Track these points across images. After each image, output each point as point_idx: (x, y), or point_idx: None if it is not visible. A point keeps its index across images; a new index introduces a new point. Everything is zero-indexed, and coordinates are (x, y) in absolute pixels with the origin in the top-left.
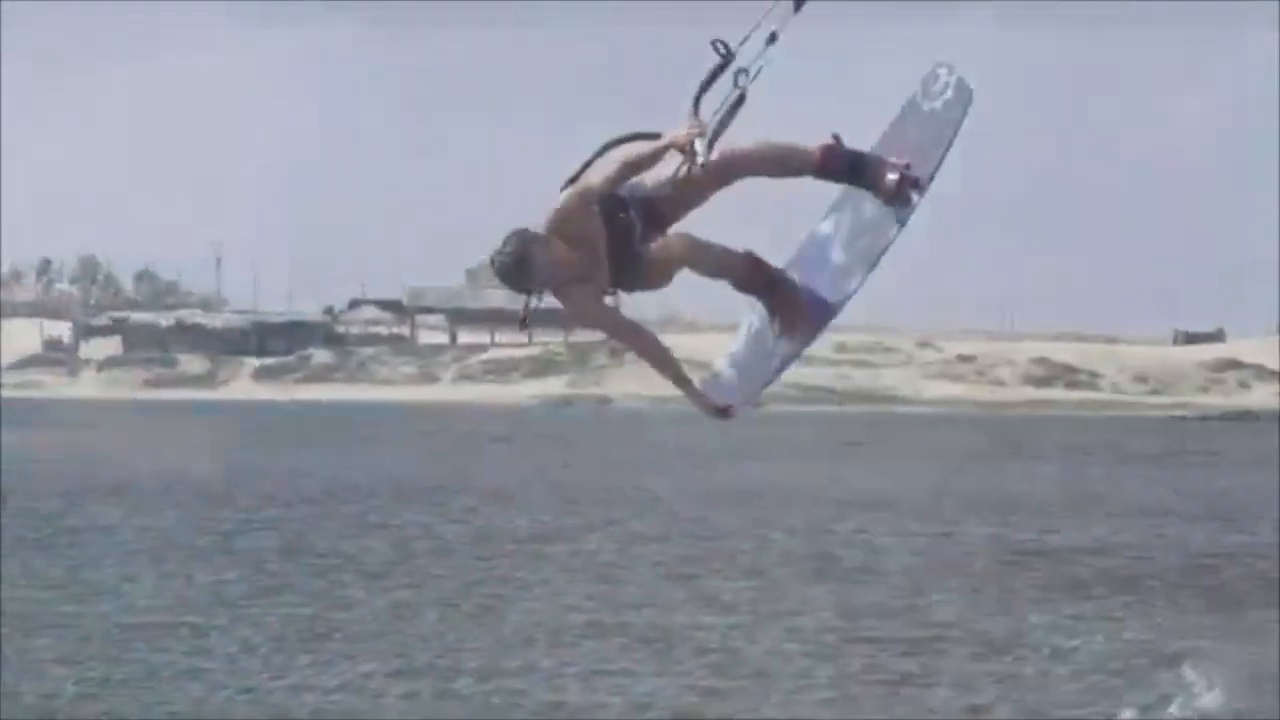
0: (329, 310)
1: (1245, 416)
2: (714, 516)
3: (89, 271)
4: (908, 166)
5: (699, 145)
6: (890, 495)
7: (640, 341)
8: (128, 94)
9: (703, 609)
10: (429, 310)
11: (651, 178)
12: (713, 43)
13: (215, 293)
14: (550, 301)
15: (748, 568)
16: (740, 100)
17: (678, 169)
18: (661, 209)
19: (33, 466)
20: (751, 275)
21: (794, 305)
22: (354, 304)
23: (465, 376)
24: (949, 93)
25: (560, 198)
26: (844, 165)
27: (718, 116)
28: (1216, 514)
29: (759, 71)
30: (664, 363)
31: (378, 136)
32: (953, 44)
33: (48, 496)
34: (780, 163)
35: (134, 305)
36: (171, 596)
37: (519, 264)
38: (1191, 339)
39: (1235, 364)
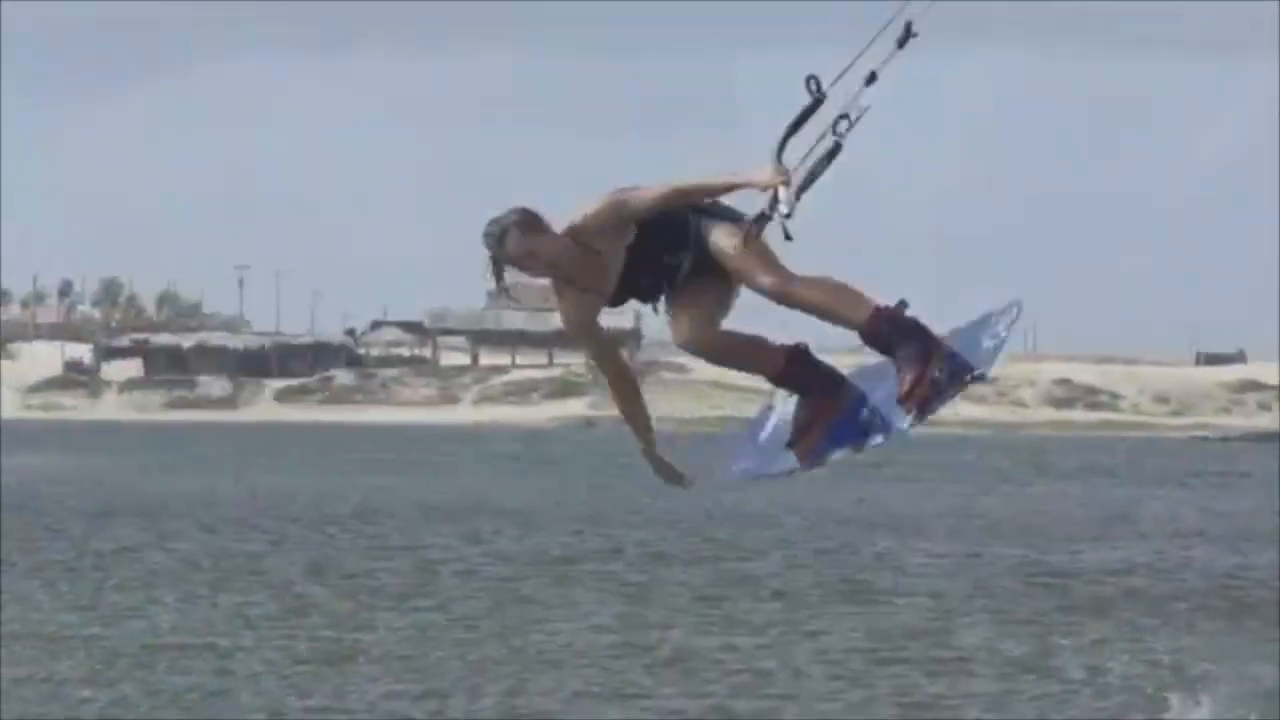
0: (350, 332)
1: (1266, 437)
2: (740, 538)
3: (111, 293)
4: (950, 377)
5: (782, 194)
6: (915, 517)
7: (617, 379)
8: (151, 113)
9: (730, 630)
10: (450, 332)
11: (728, 234)
12: (806, 80)
13: (238, 314)
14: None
15: (774, 589)
16: (836, 150)
17: (752, 224)
18: (714, 264)
19: (57, 488)
20: (790, 373)
21: (825, 414)
22: (376, 325)
23: (486, 398)
24: (1001, 334)
25: (600, 200)
26: (885, 340)
27: (808, 166)
28: (1241, 534)
29: (859, 118)
30: (633, 411)
31: (396, 156)
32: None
33: (73, 518)
34: (829, 315)
35: (156, 327)
36: (196, 618)
37: (499, 237)
38: (1212, 360)
39: (1256, 385)
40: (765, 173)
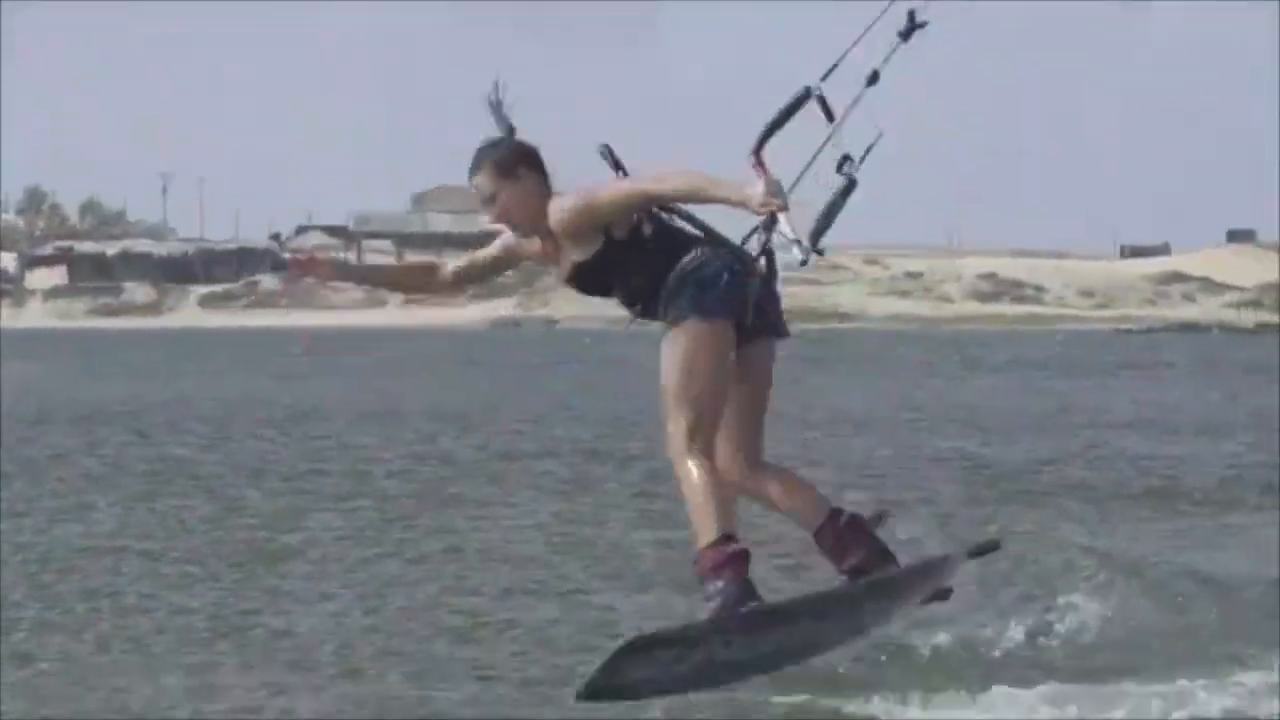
0: (275, 236)
1: (1190, 328)
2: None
3: (34, 202)
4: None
5: (784, 226)
6: (848, 409)
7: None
8: (73, 25)
9: (665, 526)
10: (375, 235)
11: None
12: (799, 94)
13: (162, 221)
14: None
15: None
16: (851, 186)
17: (764, 239)
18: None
19: None
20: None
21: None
22: (300, 230)
23: (413, 300)
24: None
25: (573, 200)
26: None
27: (825, 207)
28: (1169, 425)
29: (868, 153)
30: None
31: (316, 60)
32: None
33: (2, 426)
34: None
35: (80, 235)
36: (132, 522)
37: (476, 161)
38: (1136, 253)
39: (1180, 277)
40: (756, 191)
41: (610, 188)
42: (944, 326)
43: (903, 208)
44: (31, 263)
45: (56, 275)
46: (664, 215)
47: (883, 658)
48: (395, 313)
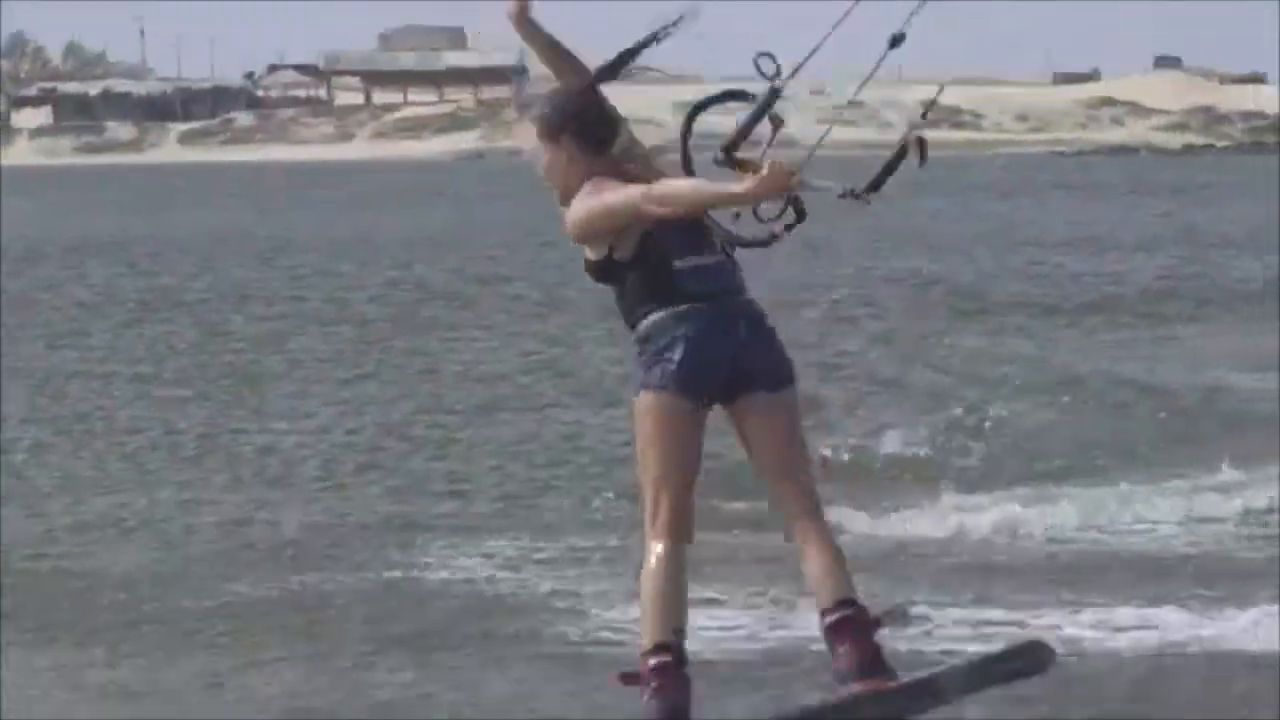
0: (249, 75)
1: (1119, 151)
2: None
3: (18, 45)
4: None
5: (821, 183)
6: (807, 233)
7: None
8: None
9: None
10: (344, 73)
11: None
12: (757, 58)
13: (140, 62)
14: (462, 60)
15: None
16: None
17: (784, 222)
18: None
19: None
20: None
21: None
22: (273, 69)
23: (380, 135)
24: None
25: (578, 213)
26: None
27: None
28: (1107, 243)
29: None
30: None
31: None
32: None
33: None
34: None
35: (62, 76)
36: (122, 347)
37: (536, 115)
38: (1068, 79)
39: (1109, 102)
40: (768, 174)
41: (614, 194)
42: (886, 152)
43: (849, 40)
44: (17, 103)
45: (41, 115)
46: (658, 250)
47: (836, 475)
48: (364, 146)
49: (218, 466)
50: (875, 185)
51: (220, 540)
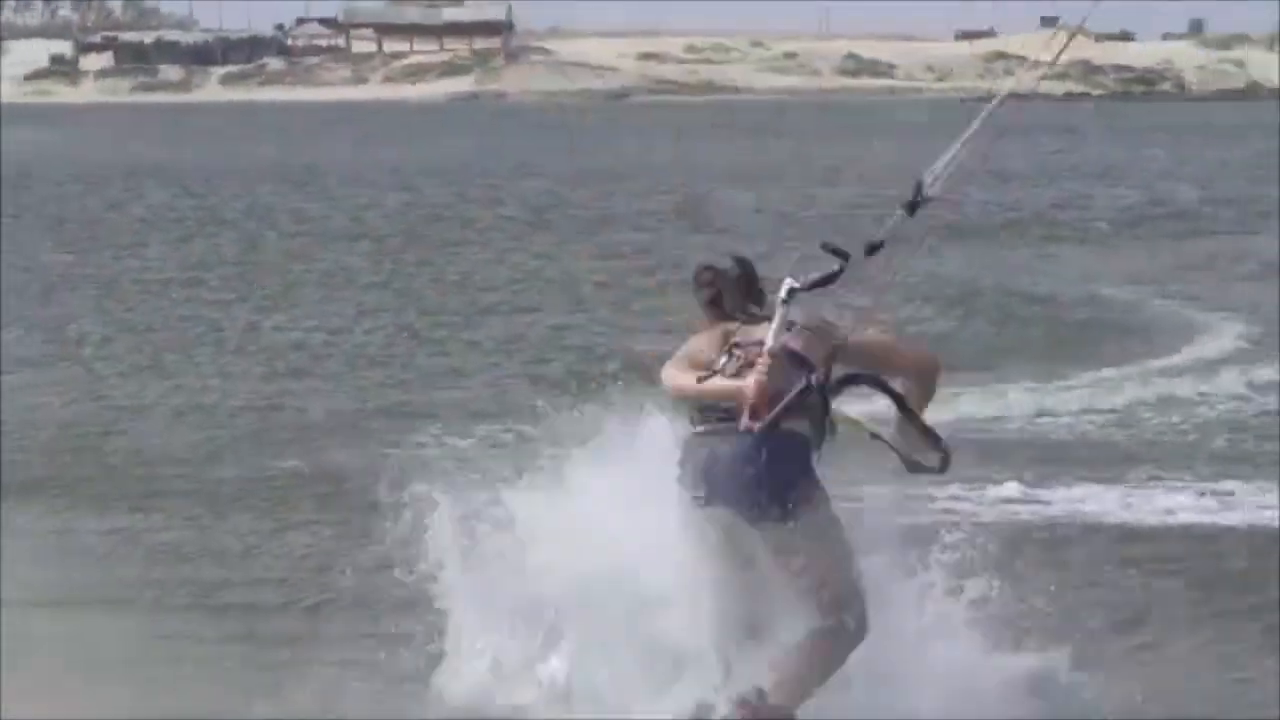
0: (280, 27)
1: (1007, 99)
2: (605, 186)
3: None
4: None
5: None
6: (752, 164)
7: None
8: None
9: (609, 257)
10: (360, 25)
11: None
12: (823, 246)
13: (188, 15)
14: (458, 15)
15: (637, 225)
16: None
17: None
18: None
19: (51, 158)
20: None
21: None
22: (300, 21)
23: (389, 79)
24: None
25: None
26: None
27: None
28: (1010, 172)
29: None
30: None
31: None
32: None
33: (68, 181)
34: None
35: (122, 26)
36: (175, 258)
37: (697, 282)
38: (968, 36)
39: (1003, 55)
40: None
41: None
42: (817, 98)
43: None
44: (84, 49)
45: (104, 60)
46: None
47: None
48: (377, 89)
49: (255, 359)
50: (935, 443)
51: (257, 422)
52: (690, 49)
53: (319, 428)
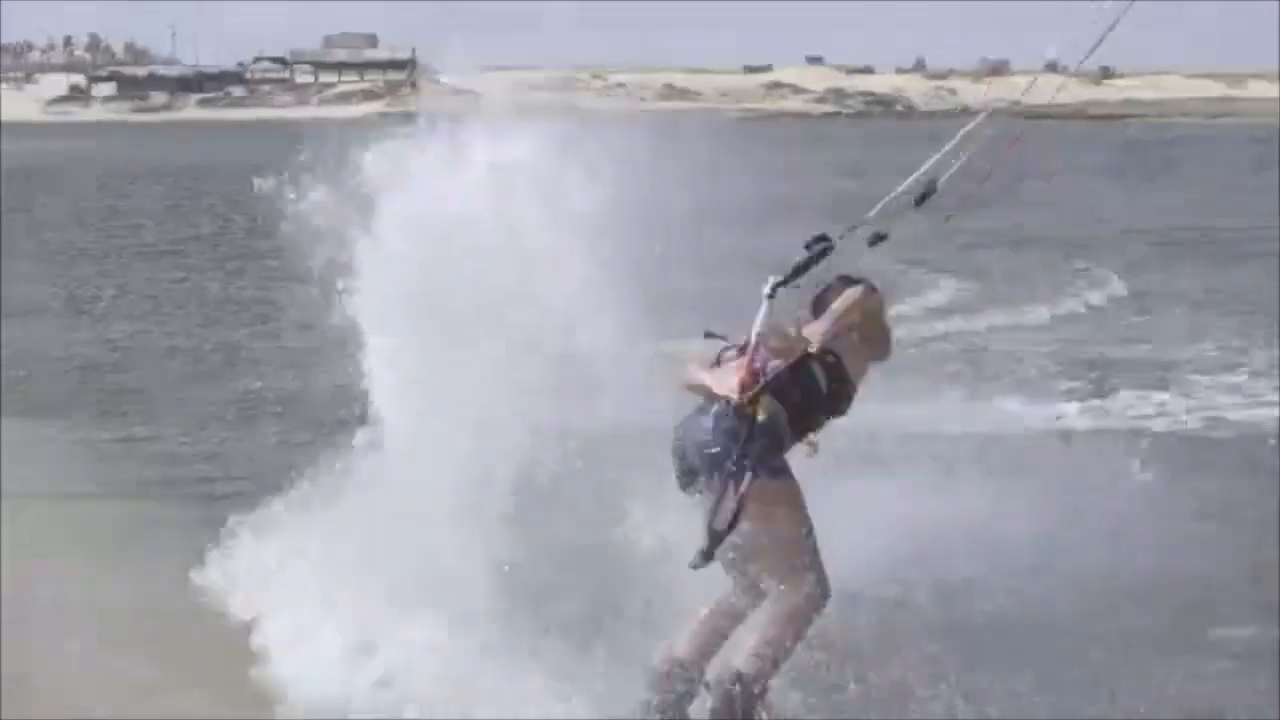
0: (241, 64)
1: (781, 116)
2: None
3: (95, 43)
4: None
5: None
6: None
7: None
8: None
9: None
10: (302, 62)
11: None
12: (809, 243)
13: (172, 54)
14: (375, 55)
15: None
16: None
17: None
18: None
19: (71, 162)
20: None
21: None
22: (256, 60)
23: (325, 102)
24: None
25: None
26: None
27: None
28: (787, 172)
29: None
30: None
31: None
32: None
33: (85, 180)
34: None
35: (122, 63)
36: (166, 233)
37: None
38: (752, 70)
39: (779, 84)
40: (735, 375)
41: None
42: (645, 117)
43: (612, 35)
44: (94, 80)
45: (109, 88)
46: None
47: None
48: (315, 110)
49: (226, 311)
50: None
51: (228, 356)
52: (547, 78)
53: (279, 360)
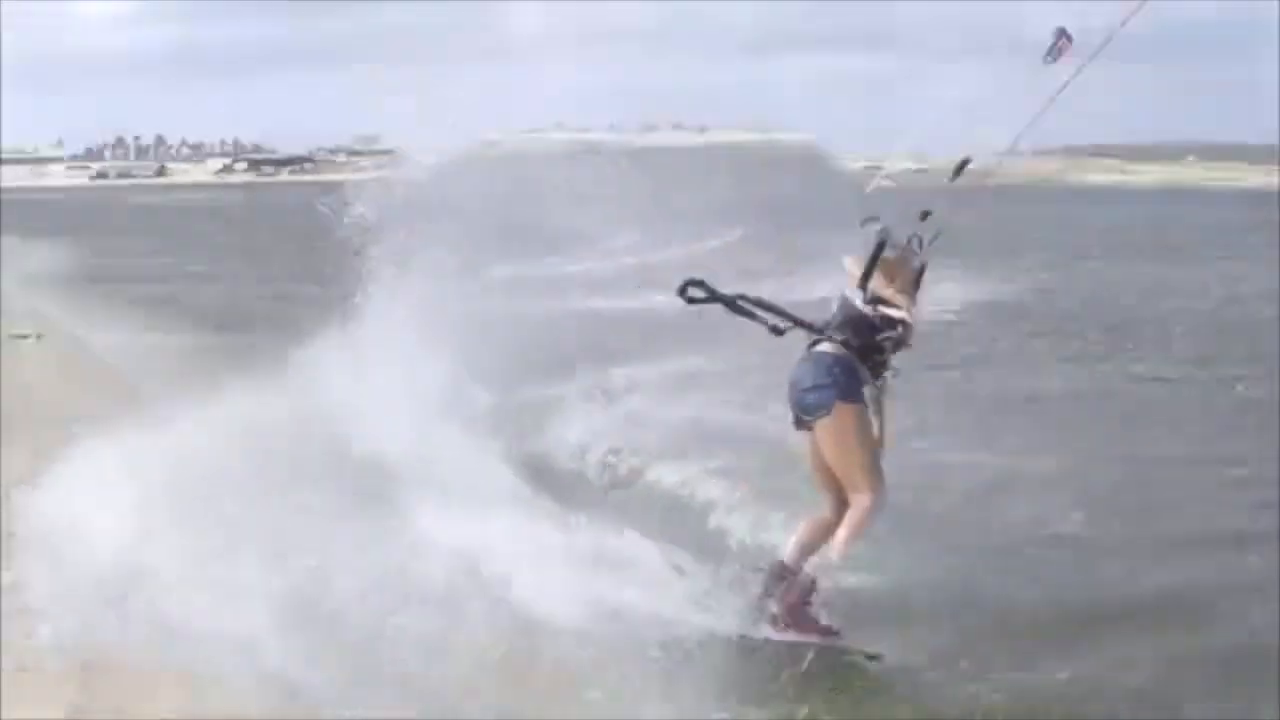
0: (310, 151)
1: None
2: None
3: (237, 141)
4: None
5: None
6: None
7: None
8: None
9: None
10: (342, 150)
11: None
12: (864, 221)
13: (273, 146)
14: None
15: None
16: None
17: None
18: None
19: (225, 205)
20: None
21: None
22: (317, 149)
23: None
24: None
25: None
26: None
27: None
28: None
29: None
30: None
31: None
32: None
33: (234, 212)
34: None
35: (249, 151)
36: (270, 236)
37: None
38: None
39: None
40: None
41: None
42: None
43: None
44: (235, 160)
45: (243, 165)
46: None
47: None
48: (348, 175)
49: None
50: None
51: (232, 274)
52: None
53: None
